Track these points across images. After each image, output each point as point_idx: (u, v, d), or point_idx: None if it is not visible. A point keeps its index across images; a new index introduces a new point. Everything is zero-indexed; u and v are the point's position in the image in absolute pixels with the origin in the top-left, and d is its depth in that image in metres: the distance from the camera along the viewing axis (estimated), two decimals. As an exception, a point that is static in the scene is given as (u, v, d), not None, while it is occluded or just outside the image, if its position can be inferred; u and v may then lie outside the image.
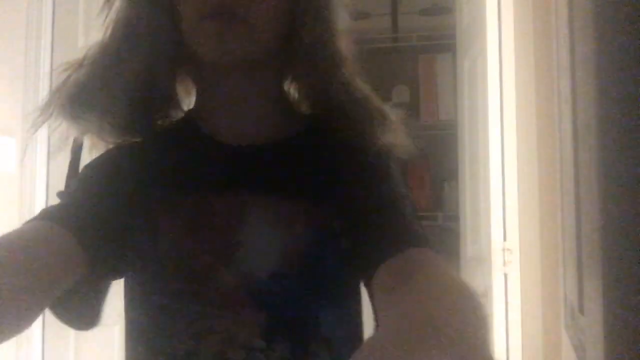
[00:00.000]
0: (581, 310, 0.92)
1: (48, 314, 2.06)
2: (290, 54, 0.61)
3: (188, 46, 0.59)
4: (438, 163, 2.57)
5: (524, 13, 1.56)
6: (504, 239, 1.49)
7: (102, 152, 0.65)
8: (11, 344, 1.81)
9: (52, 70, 1.96)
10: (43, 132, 2.15)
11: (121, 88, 0.59)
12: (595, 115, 0.65)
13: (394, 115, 0.65)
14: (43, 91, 1.92)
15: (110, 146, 0.64)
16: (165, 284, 0.59)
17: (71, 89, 0.59)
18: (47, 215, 0.60)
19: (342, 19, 0.63)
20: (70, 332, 1.90)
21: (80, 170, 0.66)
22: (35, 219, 0.61)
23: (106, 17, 0.60)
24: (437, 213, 2.48)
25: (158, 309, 0.59)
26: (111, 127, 0.61)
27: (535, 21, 1.57)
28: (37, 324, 2.07)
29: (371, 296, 0.54)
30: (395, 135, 0.64)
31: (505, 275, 1.49)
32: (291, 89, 0.67)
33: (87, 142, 0.66)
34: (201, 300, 0.57)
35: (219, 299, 0.57)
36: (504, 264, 1.48)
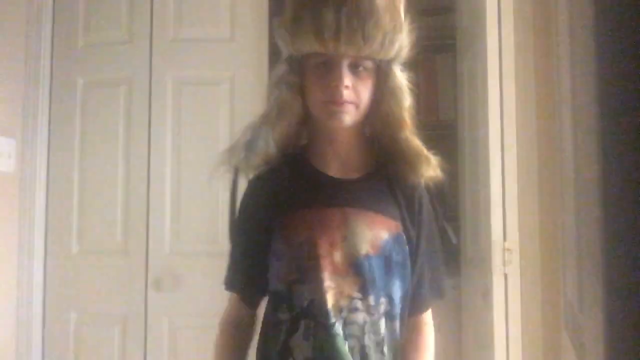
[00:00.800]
0: (581, 310, 0.92)
1: (48, 313, 2.04)
2: (374, 117, 0.97)
3: (313, 115, 0.97)
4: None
5: (524, 13, 1.56)
6: (504, 239, 1.49)
7: (248, 176, 1.03)
8: (11, 343, 1.81)
9: (52, 70, 1.96)
10: (43, 132, 2.13)
11: (273, 140, 0.97)
12: (595, 115, 0.65)
13: (433, 159, 0.99)
14: (43, 91, 1.93)
15: (251, 176, 1.02)
16: (297, 266, 0.94)
17: (246, 142, 0.98)
18: (232, 287, 1.04)
19: (408, 96, 0.98)
20: (70, 332, 1.90)
21: (237, 191, 1.03)
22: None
23: (272, 97, 0.98)
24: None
25: (293, 282, 0.93)
26: (260, 164, 0.99)
27: (535, 21, 1.57)
28: (37, 323, 2.06)
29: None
30: (435, 171, 0.99)
31: (505, 275, 1.49)
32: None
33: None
34: (323, 271, 0.91)
35: (333, 270, 0.92)
36: (504, 264, 1.48)
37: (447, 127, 2.37)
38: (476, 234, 1.74)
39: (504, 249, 1.48)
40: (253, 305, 1.03)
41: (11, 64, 1.86)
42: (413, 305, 1.00)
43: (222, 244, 1.50)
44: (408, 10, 0.94)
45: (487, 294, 1.53)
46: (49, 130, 1.94)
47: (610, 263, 0.62)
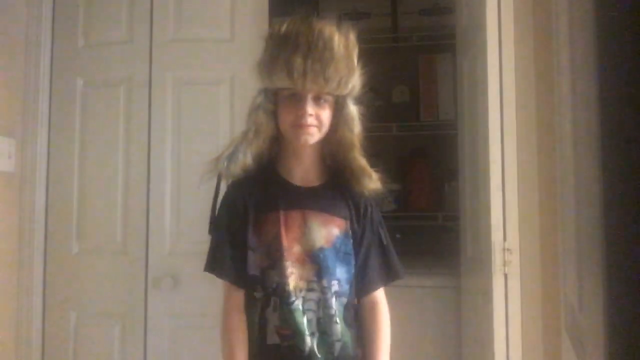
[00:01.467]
0: (581, 310, 0.92)
1: (48, 313, 2.05)
2: (330, 139, 1.22)
3: (283, 135, 1.22)
4: (438, 163, 2.57)
5: (524, 13, 1.56)
6: (504, 239, 1.49)
7: (228, 182, 1.26)
8: (11, 343, 1.81)
9: (52, 70, 1.96)
10: (43, 132, 2.14)
11: (251, 153, 1.21)
12: (595, 115, 0.65)
13: (374, 175, 1.23)
14: (43, 91, 1.93)
15: (231, 180, 1.25)
16: (267, 255, 1.19)
17: (228, 155, 1.21)
18: (223, 275, 1.24)
19: (358, 124, 1.23)
20: (70, 332, 1.90)
21: (220, 193, 1.29)
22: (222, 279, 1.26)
23: (250, 119, 1.22)
24: (437, 213, 2.48)
25: (265, 268, 1.19)
26: (239, 173, 1.22)
27: (535, 21, 1.57)
28: (37, 323, 2.06)
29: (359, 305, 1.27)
30: (376, 184, 1.23)
31: (505, 275, 1.49)
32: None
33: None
34: (286, 261, 1.18)
35: (294, 259, 1.18)
36: (504, 264, 1.48)
37: (447, 127, 2.37)
38: (476, 234, 1.74)
39: (504, 249, 1.48)
40: (242, 286, 1.22)
41: (11, 63, 1.86)
42: (362, 286, 1.25)
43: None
44: (360, 55, 1.21)
45: (487, 294, 1.53)
46: (49, 130, 1.94)
47: (610, 263, 0.62)
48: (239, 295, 1.22)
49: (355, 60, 1.19)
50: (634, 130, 0.58)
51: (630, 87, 0.59)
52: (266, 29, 1.91)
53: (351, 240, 1.22)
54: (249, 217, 1.21)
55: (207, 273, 1.56)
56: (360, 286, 1.24)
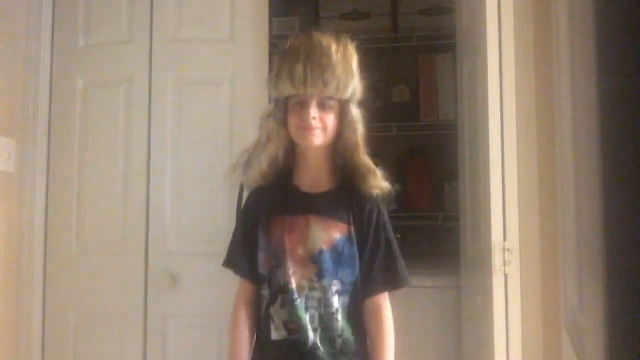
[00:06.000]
0: (581, 310, 0.92)
1: (48, 313, 2.05)
2: (337, 143, 1.31)
3: (293, 138, 1.31)
4: (438, 163, 2.57)
5: (524, 13, 1.56)
6: (504, 239, 1.49)
7: (249, 190, 1.39)
8: (12, 343, 1.81)
9: (52, 70, 1.96)
10: (43, 132, 2.14)
11: (265, 159, 1.33)
12: (595, 115, 0.65)
13: (379, 173, 1.31)
14: (43, 91, 1.93)
15: (253, 188, 1.38)
16: (274, 256, 1.30)
17: (244, 162, 1.34)
18: (237, 271, 1.38)
19: (361, 126, 1.32)
20: (70, 332, 1.90)
21: (243, 196, 1.41)
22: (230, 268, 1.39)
23: (262, 127, 1.33)
24: (437, 213, 2.48)
25: (272, 267, 1.29)
26: (258, 179, 1.35)
27: (535, 21, 1.57)
28: (37, 323, 2.06)
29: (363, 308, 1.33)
30: (381, 182, 1.31)
31: (505, 275, 1.49)
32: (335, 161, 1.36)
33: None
34: (289, 261, 1.27)
35: (297, 260, 1.28)
36: (504, 264, 1.48)
37: (447, 127, 2.37)
38: (476, 234, 1.74)
39: (504, 249, 1.48)
40: (254, 282, 1.34)
41: (11, 63, 1.86)
42: (367, 289, 1.31)
43: (222, 245, 1.51)
44: (360, 60, 1.30)
45: (487, 293, 1.53)
46: (49, 130, 1.94)
47: (610, 263, 0.62)
48: (249, 290, 1.35)
49: (354, 66, 1.29)
50: (634, 130, 0.58)
51: (630, 87, 0.59)
52: (266, 29, 1.92)
53: (354, 244, 1.30)
54: (260, 220, 1.33)
55: (206, 273, 1.74)
56: (364, 288, 1.30)
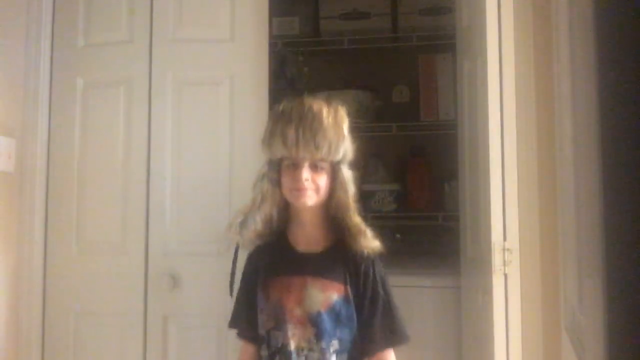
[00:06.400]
0: (581, 310, 0.92)
1: (48, 313, 2.05)
2: (330, 203, 1.35)
3: (286, 198, 1.34)
4: (438, 163, 2.57)
5: (524, 13, 1.56)
6: (504, 239, 1.49)
7: (246, 249, 1.42)
8: (12, 343, 1.81)
9: (52, 70, 1.96)
10: (43, 132, 2.14)
11: (260, 220, 1.36)
12: (595, 115, 0.65)
13: (369, 233, 1.32)
14: (43, 91, 1.93)
15: (250, 249, 1.42)
16: (273, 317, 1.31)
17: (240, 222, 1.37)
18: (240, 334, 1.43)
19: (352, 187, 1.34)
20: (70, 332, 1.90)
21: (238, 258, 1.45)
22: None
23: (257, 187, 1.37)
24: (437, 213, 2.48)
25: (271, 328, 1.31)
26: (253, 239, 1.38)
27: (535, 21, 1.57)
28: (37, 323, 2.07)
29: None
30: (371, 241, 1.32)
31: (505, 275, 1.49)
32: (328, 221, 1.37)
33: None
34: (289, 323, 1.29)
35: (295, 321, 1.30)
36: (504, 264, 1.48)
37: (447, 127, 2.37)
38: (476, 234, 1.74)
39: (504, 249, 1.48)
40: (255, 342, 1.36)
41: (11, 64, 1.86)
42: (366, 348, 1.32)
43: (222, 245, 1.51)
44: (349, 127, 1.34)
45: (487, 294, 1.53)
46: (49, 130, 1.94)
47: (610, 263, 0.61)
48: (250, 351, 1.39)
49: (345, 129, 1.32)
50: (634, 130, 0.58)
51: (630, 87, 0.59)
52: (266, 29, 1.92)
53: (352, 304, 1.31)
54: (259, 281, 1.35)
55: (206, 273, 1.77)
56: (364, 347, 1.32)
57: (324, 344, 1.28)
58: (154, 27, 1.91)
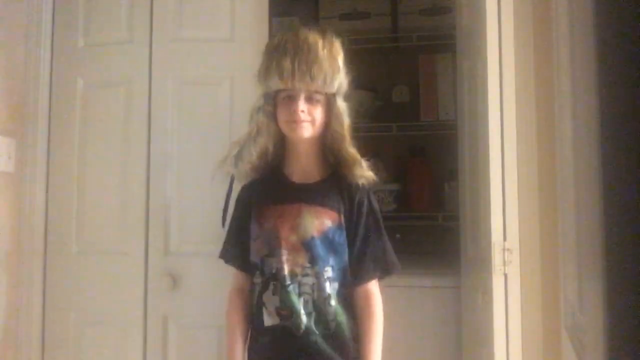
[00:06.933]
0: (581, 310, 0.92)
1: (48, 313, 2.04)
2: (325, 135, 1.36)
3: (283, 131, 1.36)
4: (438, 163, 2.57)
5: (524, 13, 1.56)
6: (504, 239, 1.49)
7: (241, 182, 1.44)
8: (11, 343, 1.81)
9: (52, 70, 1.96)
10: (43, 132, 2.13)
11: (255, 152, 1.37)
12: (595, 115, 0.65)
13: (365, 163, 1.35)
14: (43, 91, 1.93)
15: (245, 182, 1.44)
16: (267, 244, 1.34)
17: (235, 154, 1.39)
18: (230, 261, 1.45)
19: (347, 119, 1.35)
20: (70, 332, 1.90)
21: (232, 190, 1.46)
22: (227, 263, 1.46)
23: (252, 120, 1.37)
24: (437, 213, 2.48)
25: (264, 255, 1.34)
26: (248, 172, 1.40)
27: (535, 21, 1.57)
28: (37, 323, 2.06)
29: (353, 293, 1.37)
30: (366, 172, 1.34)
31: (505, 275, 1.49)
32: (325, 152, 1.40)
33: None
34: (283, 249, 1.32)
35: (289, 248, 1.32)
36: (504, 264, 1.48)
37: (447, 127, 2.37)
38: (476, 234, 1.74)
39: (504, 249, 1.48)
40: (247, 271, 1.39)
41: (11, 64, 1.86)
42: (358, 276, 1.35)
43: (221, 245, 1.51)
44: (347, 56, 1.35)
45: (487, 293, 1.53)
46: (49, 130, 1.94)
47: (610, 263, 0.62)
48: (243, 280, 1.41)
49: (340, 62, 1.33)
50: (634, 130, 0.58)
51: (630, 87, 0.59)
52: (266, 29, 1.92)
53: (344, 231, 1.34)
54: (252, 211, 1.37)
55: (207, 273, 1.77)
56: (355, 275, 1.35)
57: (318, 269, 1.31)
58: (154, 27, 1.91)
